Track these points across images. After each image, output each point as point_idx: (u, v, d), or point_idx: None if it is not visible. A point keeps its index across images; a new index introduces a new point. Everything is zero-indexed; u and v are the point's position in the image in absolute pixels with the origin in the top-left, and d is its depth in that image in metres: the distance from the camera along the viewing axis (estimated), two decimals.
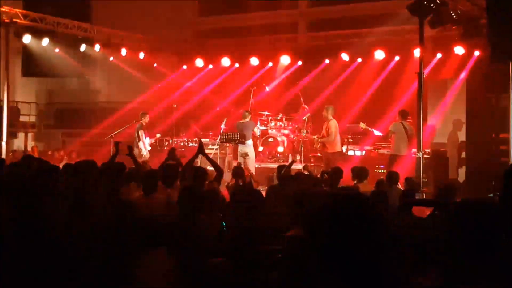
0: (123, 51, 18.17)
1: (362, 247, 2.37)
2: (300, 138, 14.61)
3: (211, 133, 16.49)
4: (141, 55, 18.69)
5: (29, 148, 20.66)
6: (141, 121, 14.63)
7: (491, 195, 11.12)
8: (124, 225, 3.78)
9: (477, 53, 14.30)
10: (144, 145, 14.45)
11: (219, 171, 7.75)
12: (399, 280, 2.53)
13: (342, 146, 14.07)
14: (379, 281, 2.36)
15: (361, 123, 13.52)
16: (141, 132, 14.51)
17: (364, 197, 2.80)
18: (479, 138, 14.13)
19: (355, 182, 9.48)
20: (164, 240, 3.99)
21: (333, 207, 2.47)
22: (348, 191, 6.91)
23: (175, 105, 16.20)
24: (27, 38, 15.66)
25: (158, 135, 15.44)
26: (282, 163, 12.71)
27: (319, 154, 14.21)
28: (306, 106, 15.24)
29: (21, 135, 22.73)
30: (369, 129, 13.53)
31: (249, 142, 13.74)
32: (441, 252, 2.84)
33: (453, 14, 11.95)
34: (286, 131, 15.26)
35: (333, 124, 13.43)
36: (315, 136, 14.23)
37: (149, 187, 6.41)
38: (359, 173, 9.65)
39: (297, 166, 13.12)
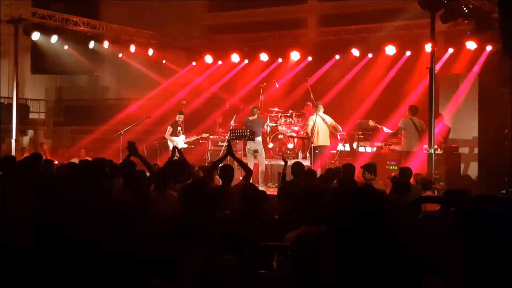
0: (132, 48, 18.18)
1: (382, 241, 2.38)
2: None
3: (220, 129, 16.48)
4: (150, 51, 18.71)
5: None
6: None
7: (504, 191, 11.08)
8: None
9: (489, 47, 14.23)
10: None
11: (248, 171, 7.86)
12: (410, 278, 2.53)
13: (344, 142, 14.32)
14: (394, 275, 2.36)
15: (370, 120, 13.48)
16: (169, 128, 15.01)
17: (379, 192, 2.82)
18: (491, 133, 14.06)
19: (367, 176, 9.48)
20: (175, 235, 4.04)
21: (354, 203, 2.49)
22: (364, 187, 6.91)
23: (184, 102, 16.20)
24: (36, 35, 15.70)
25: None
26: (293, 160, 12.77)
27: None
28: (310, 103, 15.23)
29: (30, 132, 22.88)
30: (379, 126, 13.50)
31: (259, 139, 13.74)
32: (446, 251, 2.79)
33: (464, 8, 11.87)
34: (296, 128, 15.26)
35: (310, 119, 13.59)
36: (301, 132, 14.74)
37: (161, 183, 6.48)
38: (369, 168, 9.66)
39: (306, 163, 13.18)
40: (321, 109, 13.63)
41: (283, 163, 14.33)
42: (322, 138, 13.50)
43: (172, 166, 7.46)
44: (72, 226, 3.86)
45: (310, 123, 13.49)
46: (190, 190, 5.12)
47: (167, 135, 15.01)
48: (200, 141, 16.44)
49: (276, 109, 15.74)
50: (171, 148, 14.49)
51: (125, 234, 3.86)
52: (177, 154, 9.19)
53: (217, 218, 5.33)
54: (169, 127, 15.03)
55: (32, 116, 23.04)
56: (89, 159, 13.24)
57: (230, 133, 14.06)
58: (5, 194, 4.55)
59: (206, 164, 12.10)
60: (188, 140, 14.81)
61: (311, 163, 13.27)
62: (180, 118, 14.98)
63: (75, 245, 3.66)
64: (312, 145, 13.47)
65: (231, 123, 14.83)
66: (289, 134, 15.06)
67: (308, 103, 15.44)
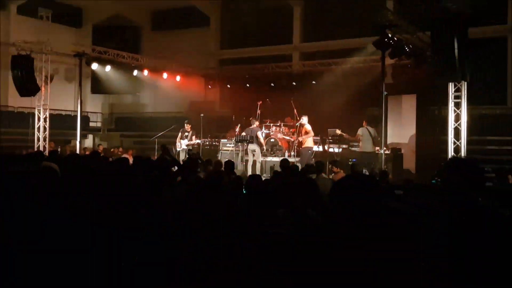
0: (165, 75, 18.29)
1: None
2: (294, 138, 14.69)
3: (227, 135, 16.56)
4: (178, 78, 18.80)
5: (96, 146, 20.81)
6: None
7: (434, 181, 11.11)
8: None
9: (424, 76, 14.27)
10: (179, 144, 14.81)
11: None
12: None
13: (318, 145, 14.37)
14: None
15: (336, 130, 13.77)
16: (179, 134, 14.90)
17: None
18: (426, 139, 14.13)
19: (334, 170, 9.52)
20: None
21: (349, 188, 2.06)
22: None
23: (202, 115, 16.26)
24: (94, 65, 15.84)
25: (198, 141, 15.29)
26: (282, 157, 12.82)
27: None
28: (292, 118, 15.28)
29: (90, 136, 22.92)
30: (344, 134, 13.75)
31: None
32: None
33: (406, 48, 11.99)
34: (283, 134, 15.29)
35: (304, 128, 13.74)
36: (295, 135, 14.68)
37: (184, 176, 6.37)
38: (335, 163, 9.69)
39: (291, 159, 13.20)
40: (306, 120, 13.80)
41: (274, 159, 14.51)
42: (311, 141, 13.73)
43: (187, 163, 7.58)
44: (119, 216, 3.34)
45: (308, 130, 13.67)
46: (204, 183, 4.80)
47: (177, 138, 15.00)
48: (214, 143, 16.56)
49: (269, 120, 15.86)
50: (178, 148, 14.57)
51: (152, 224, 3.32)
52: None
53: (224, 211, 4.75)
54: (179, 132, 14.99)
55: (91, 124, 23.16)
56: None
57: (235, 138, 14.19)
58: (71, 185, 4.18)
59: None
60: (189, 143, 14.83)
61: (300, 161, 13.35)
62: (186, 125, 14.93)
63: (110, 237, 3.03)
64: (303, 146, 13.65)
65: (236, 130, 14.95)
66: (279, 137, 15.07)
67: (287, 117, 15.60)
